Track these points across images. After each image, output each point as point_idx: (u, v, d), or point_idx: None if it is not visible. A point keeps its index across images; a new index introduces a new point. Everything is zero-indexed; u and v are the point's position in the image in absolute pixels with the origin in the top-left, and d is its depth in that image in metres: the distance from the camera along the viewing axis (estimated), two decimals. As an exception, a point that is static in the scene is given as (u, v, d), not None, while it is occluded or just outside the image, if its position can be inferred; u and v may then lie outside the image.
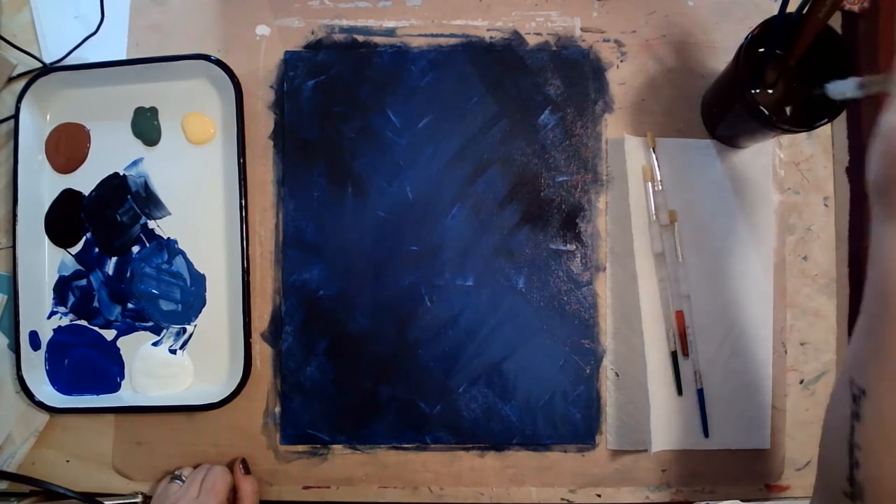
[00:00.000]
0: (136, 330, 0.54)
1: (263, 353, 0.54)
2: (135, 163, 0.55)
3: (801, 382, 0.54)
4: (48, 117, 0.56)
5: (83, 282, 0.55)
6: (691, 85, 0.54)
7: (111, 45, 0.56)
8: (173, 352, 0.54)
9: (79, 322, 0.55)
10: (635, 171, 0.53)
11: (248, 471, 0.52)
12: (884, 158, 0.36)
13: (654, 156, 0.53)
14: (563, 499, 0.53)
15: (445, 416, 0.53)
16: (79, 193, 0.55)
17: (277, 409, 0.54)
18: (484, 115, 0.54)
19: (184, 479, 0.50)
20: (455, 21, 0.55)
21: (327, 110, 0.54)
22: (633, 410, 0.53)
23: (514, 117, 0.54)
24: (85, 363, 0.55)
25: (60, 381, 0.55)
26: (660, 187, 0.53)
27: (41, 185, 0.55)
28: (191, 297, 0.54)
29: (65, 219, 0.55)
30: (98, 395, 0.54)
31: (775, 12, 0.43)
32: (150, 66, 0.53)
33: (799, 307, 0.54)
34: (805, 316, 0.54)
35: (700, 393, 0.52)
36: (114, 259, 0.55)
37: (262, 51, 0.55)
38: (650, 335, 0.52)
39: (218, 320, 0.54)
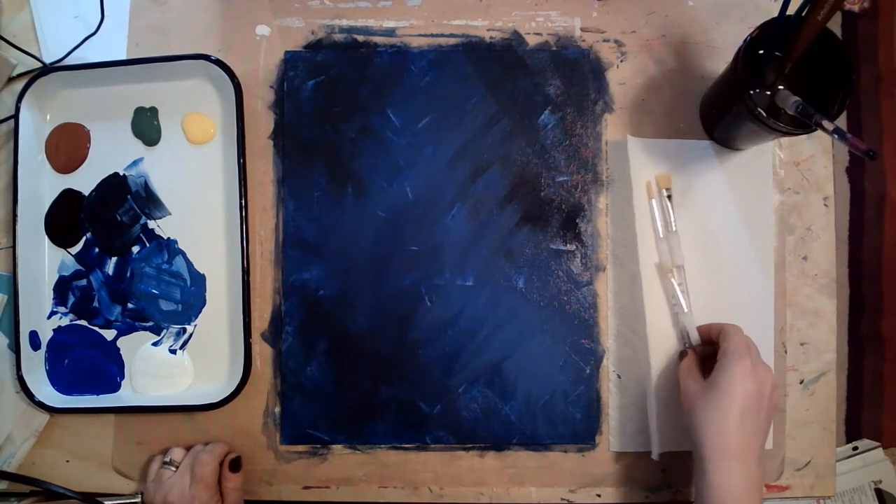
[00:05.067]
0: (136, 330, 0.54)
1: (263, 353, 0.54)
2: (135, 163, 0.55)
3: (801, 382, 0.54)
4: (48, 117, 0.56)
5: (83, 282, 0.55)
6: (691, 85, 0.54)
7: (111, 45, 0.56)
8: (173, 352, 0.54)
9: (79, 322, 0.55)
10: (638, 175, 0.52)
11: (236, 468, 0.51)
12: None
13: (669, 204, 0.52)
14: (563, 499, 0.53)
15: (445, 416, 0.53)
16: (79, 193, 0.55)
17: (277, 409, 0.54)
18: (484, 115, 0.54)
19: (175, 463, 0.50)
20: (455, 21, 0.55)
21: (327, 110, 0.54)
22: (635, 412, 0.53)
23: (514, 117, 0.54)
24: (85, 363, 0.55)
25: (60, 381, 0.55)
26: (673, 228, 0.52)
27: (41, 185, 0.55)
28: (191, 297, 0.54)
29: (65, 219, 0.55)
30: (98, 395, 0.54)
31: (775, 13, 0.43)
32: (150, 66, 0.53)
33: (799, 307, 0.54)
34: (805, 316, 0.54)
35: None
36: (114, 259, 0.55)
37: (262, 51, 0.55)
38: (654, 340, 0.52)
39: (218, 320, 0.54)
